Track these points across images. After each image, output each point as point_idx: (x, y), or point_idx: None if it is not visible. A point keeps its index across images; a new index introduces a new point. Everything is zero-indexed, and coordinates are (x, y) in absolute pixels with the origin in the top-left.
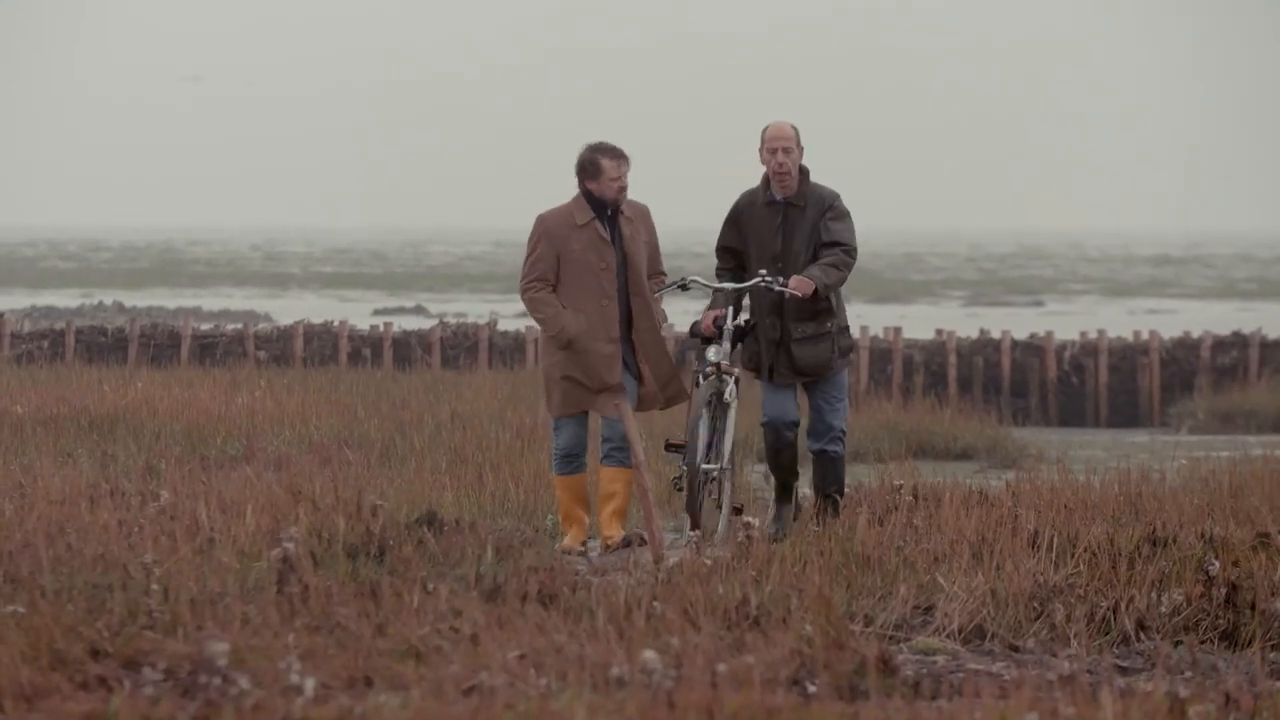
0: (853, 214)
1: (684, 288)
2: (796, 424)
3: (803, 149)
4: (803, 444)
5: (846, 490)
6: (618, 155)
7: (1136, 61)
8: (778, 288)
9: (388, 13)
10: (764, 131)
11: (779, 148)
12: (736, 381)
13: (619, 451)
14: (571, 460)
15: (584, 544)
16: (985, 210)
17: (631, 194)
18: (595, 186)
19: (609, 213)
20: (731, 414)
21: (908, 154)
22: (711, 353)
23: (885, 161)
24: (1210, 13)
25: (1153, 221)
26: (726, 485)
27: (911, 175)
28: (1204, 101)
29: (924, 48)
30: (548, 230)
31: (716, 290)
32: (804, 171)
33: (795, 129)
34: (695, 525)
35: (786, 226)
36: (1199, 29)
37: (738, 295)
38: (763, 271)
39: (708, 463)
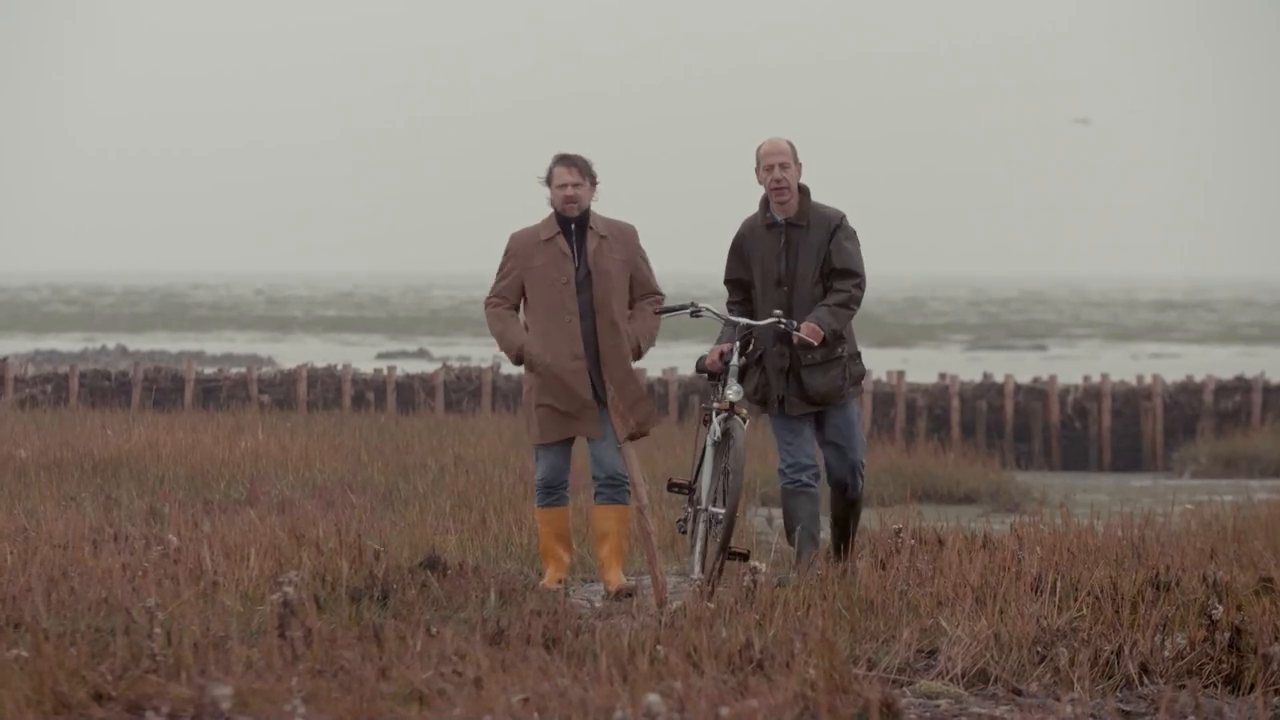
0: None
1: (695, 314)
2: (817, 472)
3: (800, 165)
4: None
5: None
6: (569, 162)
7: (1139, 108)
8: (793, 331)
9: (389, 57)
10: (759, 150)
11: (775, 163)
12: (743, 422)
13: (610, 489)
14: (552, 491)
15: (561, 582)
16: (987, 256)
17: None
18: (550, 194)
19: (573, 227)
20: (741, 456)
21: (909, 201)
22: (733, 391)
23: (887, 209)
24: (1215, 61)
25: (1155, 267)
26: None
27: (913, 222)
28: (1206, 148)
29: (927, 95)
30: (514, 247)
31: (727, 323)
32: (804, 190)
33: (791, 144)
34: (703, 569)
35: (789, 249)
36: (1203, 78)
37: (747, 332)
38: (778, 312)
39: (715, 505)
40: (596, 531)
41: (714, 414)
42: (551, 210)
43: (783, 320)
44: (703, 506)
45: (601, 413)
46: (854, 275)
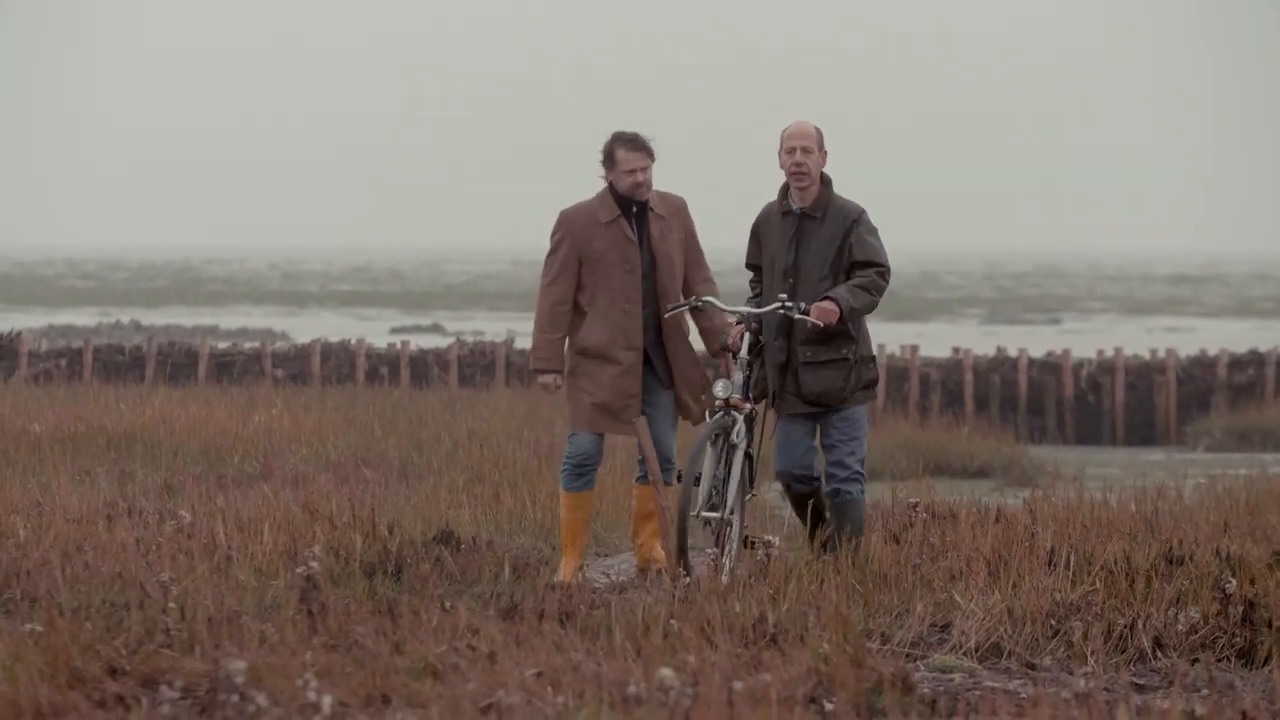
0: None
1: (696, 308)
2: (814, 476)
3: (826, 154)
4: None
5: (864, 527)
6: (637, 145)
7: (1153, 85)
8: (797, 315)
9: (405, 36)
10: (783, 132)
11: (797, 146)
12: (749, 418)
13: (660, 470)
14: (582, 473)
15: (579, 569)
16: (1003, 234)
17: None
18: (612, 177)
19: (634, 209)
20: (739, 456)
21: (925, 184)
22: (719, 387)
23: (903, 192)
24: (1227, 37)
25: (1169, 241)
26: (735, 527)
27: (929, 203)
28: (1220, 123)
29: (943, 79)
30: (570, 229)
31: (731, 313)
32: (826, 181)
33: (818, 130)
34: (685, 568)
35: (800, 240)
36: (1216, 54)
37: (757, 321)
38: (783, 296)
39: (709, 510)
40: (641, 510)
41: (708, 412)
42: (605, 188)
43: (786, 304)
44: (686, 507)
45: (656, 395)
46: (877, 264)
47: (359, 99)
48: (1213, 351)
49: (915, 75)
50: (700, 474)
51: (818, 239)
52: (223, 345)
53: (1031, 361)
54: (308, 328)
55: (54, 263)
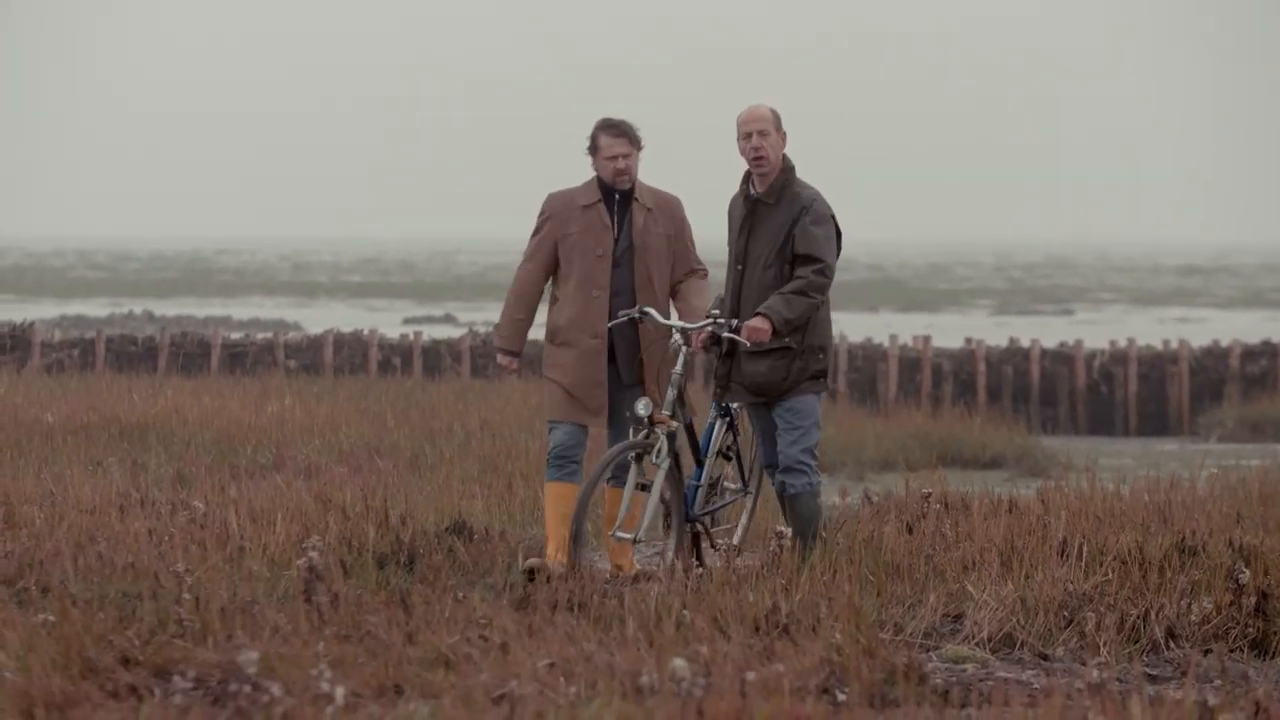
0: (851, 225)
1: (633, 319)
2: None
3: (785, 135)
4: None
5: (817, 523)
6: (620, 132)
7: (1163, 76)
8: (726, 334)
9: (416, 27)
10: (738, 117)
11: (754, 130)
12: (672, 437)
13: (625, 471)
14: (564, 464)
15: (563, 563)
16: (1011, 225)
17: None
18: (596, 164)
19: (618, 197)
20: (660, 478)
21: (935, 173)
22: (640, 406)
23: (912, 180)
24: (1236, 28)
25: (1179, 232)
26: (674, 538)
27: (938, 193)
28: (1229, 114)
29: (950, 67)
30: (551, 209)
31: (667, 327)
32: (787, 166)
33: (774, 112)
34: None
35: (753, 226)
36: (1225, 45)
37: (705, 333)
38: (714, 313)
39: (623, 531)
40: (609, 515)
41: (632, 429)
42: (594, 175)
43: (716, 322)
44: (583, 505)
45: (622, 393)
46: (816, 261)
47: (368, 89)
48: (1225, 342)
49: (916, 74)
50: (608, 476)
51: (767, 226)
52: (235, 336)
53: (1044, 352)
54: (319, 319)
55: (65, 254)
